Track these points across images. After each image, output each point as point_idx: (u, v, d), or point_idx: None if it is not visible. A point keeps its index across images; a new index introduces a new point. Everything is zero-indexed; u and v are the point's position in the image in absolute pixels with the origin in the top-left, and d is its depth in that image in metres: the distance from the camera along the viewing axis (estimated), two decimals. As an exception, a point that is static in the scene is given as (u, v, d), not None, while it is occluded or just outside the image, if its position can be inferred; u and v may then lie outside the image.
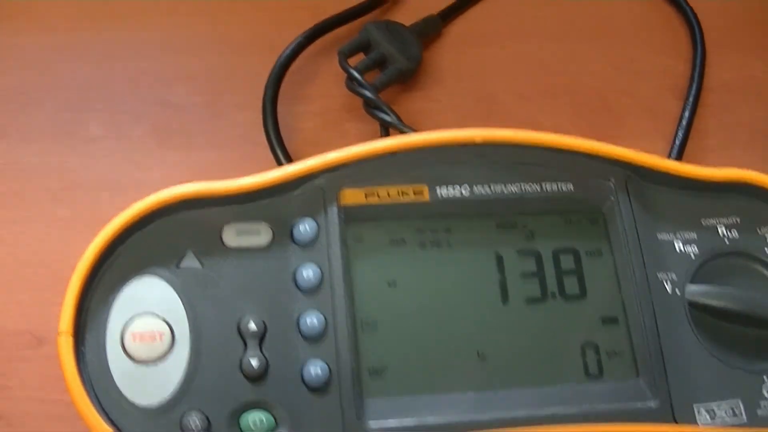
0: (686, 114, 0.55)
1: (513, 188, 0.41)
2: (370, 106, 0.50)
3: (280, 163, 0.50)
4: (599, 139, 0.44)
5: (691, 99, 0.56)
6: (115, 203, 0.41)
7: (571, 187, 0.41)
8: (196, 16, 0.57)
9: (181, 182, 0.46)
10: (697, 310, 0.40)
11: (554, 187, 0.41)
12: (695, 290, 0.40)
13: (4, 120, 0.53)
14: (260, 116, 0.52)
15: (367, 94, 0.50)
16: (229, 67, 0.55)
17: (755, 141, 0.55)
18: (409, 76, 0.54)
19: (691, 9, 0.59)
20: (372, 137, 0.47)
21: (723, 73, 0.58)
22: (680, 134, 0.54)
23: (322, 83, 0.54)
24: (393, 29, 0.54)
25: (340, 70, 0.52)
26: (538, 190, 0.41)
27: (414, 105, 0.54)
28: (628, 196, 0.41)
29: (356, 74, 0.50)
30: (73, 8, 0.57)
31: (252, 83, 0.53)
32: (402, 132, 0.48)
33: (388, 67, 0.53)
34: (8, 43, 0.55)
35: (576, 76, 0.56)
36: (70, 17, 0.56)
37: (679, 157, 0.54)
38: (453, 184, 0.40)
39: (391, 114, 0.49)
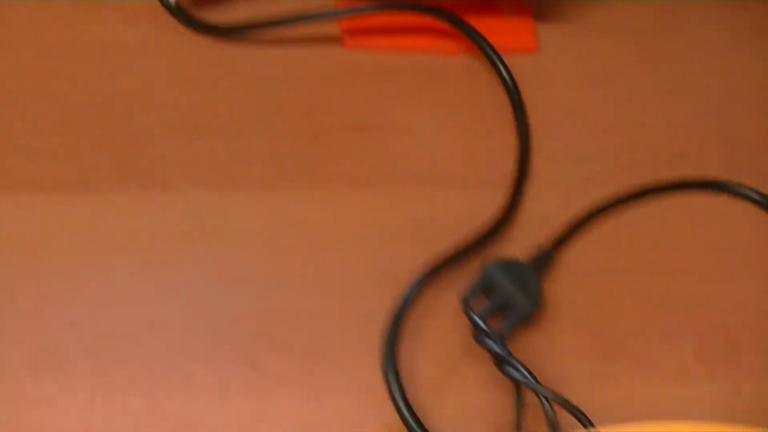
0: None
1: None
2: (501, 362, 0.48)
3: (401, 414, 0.48)
4: (727, 381, 0.46)
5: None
6: None
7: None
8: (299, 247, 0.56)
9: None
10: None
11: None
12: None
13: (105, 366, 0.51)
14: (378, 359, 0.49)
15: (497, 350, 0.48)
16: (339, 305, 0.54)
17: None
18: (531, 320, 0.51)
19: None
20: (492, 379, 0.48)
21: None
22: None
23: (438, 323, 0.53)
24: (513, 269, 0.52)
25: (454, 304, 0.52)
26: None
27: (532, 342, 0.52)
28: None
29: (484, 326, 0.48)
30: (170, 241, 0.55)
31: (366, 323, 0.52)
32: (536, 391, 0.48)
33: (511, 311, 0.50)
34: (111, 281, 0.54)
35: (701, 311, 0.54)
36: (167, 251, 0.55)
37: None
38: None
39: (525, 371, 0.47)
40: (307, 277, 0.54)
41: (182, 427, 0.49)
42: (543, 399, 0.48)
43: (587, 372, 0.52)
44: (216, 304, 0.52)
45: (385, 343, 0.49)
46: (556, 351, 0.53)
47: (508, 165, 0.59)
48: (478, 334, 0.49)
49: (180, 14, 0.60)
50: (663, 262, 0.56)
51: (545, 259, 0.54)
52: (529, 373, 0.48)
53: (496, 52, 0.61)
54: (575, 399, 0.51)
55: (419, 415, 0.49)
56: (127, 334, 0.51)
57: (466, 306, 0.50)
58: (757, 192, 0.59)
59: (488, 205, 0.57)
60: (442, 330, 0.53)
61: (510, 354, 0.48)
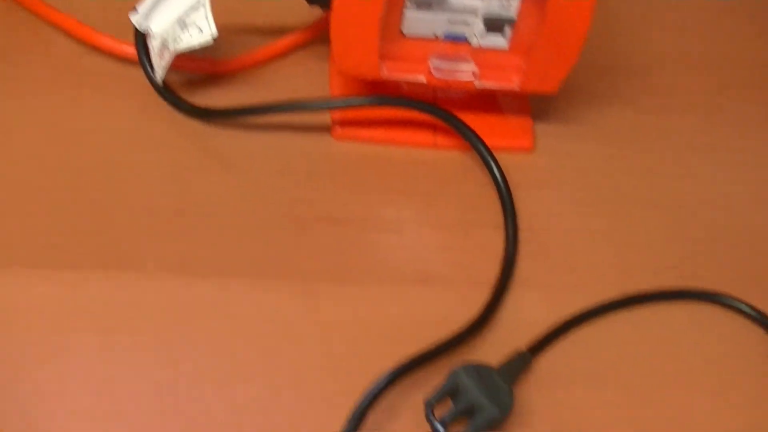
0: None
1: None
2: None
3: None
4: None
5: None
6: None
7: None
8: (272, 340, 0.55)
9: None
10: None
11: None
12: None
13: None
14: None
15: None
16: (304, 398, 0.53)
17: None
18: (497, 427, 0.50)
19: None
20: None
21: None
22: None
23: (402, 424, 0.51)
24: (482, 373, 0.51)
25: (420, 405, 0.51)
26: None
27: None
28: None
29: (442, 430, 0.47)
30: (144, 324, 0.54)
31: (328, 419, 0.51)
32: None
33: (476, 416, 0.49)
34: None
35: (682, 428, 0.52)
36: (134, 333, 0.54)
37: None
38: None
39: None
40: (274, 371, 0.53)
41: None
42: None
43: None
44: (182, 394, 0.51)
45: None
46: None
47: (493, 266, 0.58)
48: (434, 434, 0.48)
49: (167, 95, 0.60)
50: (643, 375, 0.55)
51: (520, 364, 0.53)
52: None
53: (489, 151, 0.60)
54: None
55: None
56: (81, 414, 0.50)
57: (429, 410, 0.49)
58: (749, 305, 0.57)
59: (470, 306, 0.56)
60: (410, 428, 0.51)
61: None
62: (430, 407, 0.49)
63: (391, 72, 0.58)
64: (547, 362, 0.55)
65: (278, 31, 0.66)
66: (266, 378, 0.53)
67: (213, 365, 0.53)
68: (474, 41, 0.58)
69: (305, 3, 0.60)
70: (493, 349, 0.54)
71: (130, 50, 0.61)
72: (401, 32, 0.58)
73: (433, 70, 0.59)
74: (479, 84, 0.59)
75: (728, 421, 0.53)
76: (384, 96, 0.60)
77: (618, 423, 0.53)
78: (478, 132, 0.60)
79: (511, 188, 0.60)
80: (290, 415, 0.52)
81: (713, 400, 0.54)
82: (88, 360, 0.52)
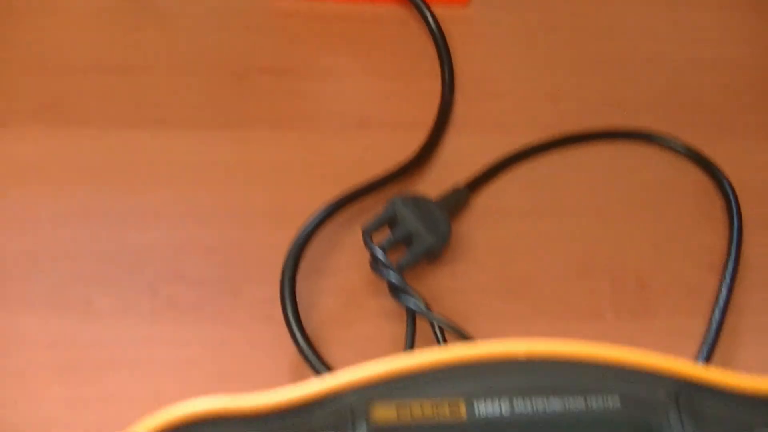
0: (723, 291, 0.53)
1: (556, 403, 0.37)
2: (396, 290, 0.47)
3: (297, 344, 0.47)
4: (635, 321, 0.45)
5: (727, 277, 0.54)
6: (124, 383, 0.41)
7: (617, 402, 0.38)
8: (212, 184, 0.55)
9: (191, 361, 0.43)
10: None
11: (600, 402, 0.38)
12: None
13: (6, 287, 0.50)
14: (278, 291, 0.49)
15: (392, 279, 0.47)
16: (248, 238, 0.52)
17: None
18: (436, 255, 0.51)
19: (729, 182, 0.56)
20: (395, 315, 0.48)
21: (763, 249, 0.55)
22: (717, 313, 0.52)
23: (343, 257, 0.52)
24: (420, 204, 0.51)
25: (359, 239, 0.51)
26: (583, 406, 0.38)
27: (440, 282, 0.52)
28: (679, 411, 0.38)
29: (380, 255, 0.48)
30: (86, 174, 0.54)
31: (272, 255, 0.51)
32: (428, 318, 0.47)
33: (414, 244, 0.50)
34: (18, 207, 0.53)
35: (615, 256, 0.53)
36: (82, 183, 0.54)
37: (716, 335, 0.52)
38: (492, 397, 0.37)
39: (418, 300, 0.47)
40: (213, 212, 0.54)
41: (77, 347, 0.49)
42: (435, 326, 0.47)
43: (492, 310, 0.51)
44: (123, 234, 0.52)
45: (284, 273, 0.49)
46: (462, 289, 0.52)
47: (432, 111, 0.58)
48: (375, 263, 0.48)
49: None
50: (578, 207, 0.56)
51: (458, 198, 0.53)
52: (423, 302, 0.47)
53: (425, 2, 0.60)
54: (478, 336, 0.50)
55: (318, 346, 0.49)
56: (29, 257, 0.50)
57: (366, 236, 0.49)
58: (682, 143, 0.58)
59: (409, 148, 0.57)
60: (346, 264, 0.52)
61: (405, 283, 0.47)
62: (368, 234, 0.49)
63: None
64: (485, 199, 0.55)
65: None
66: (202, 219, 0.54)
67: (149, 208, 0.54)
68: None
69: None
70: (432, 186, 0.55)
71: None
72: None
73: None
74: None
75: (665, 250, 0.54)
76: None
77: (553, 253, 0.54)
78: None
79: (447, 38, 0.60)
80: (235, 254, 0.53)
81: (646, 227, 0.55)
82: (35, 206, 0.52)
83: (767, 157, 0.59)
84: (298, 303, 0.49)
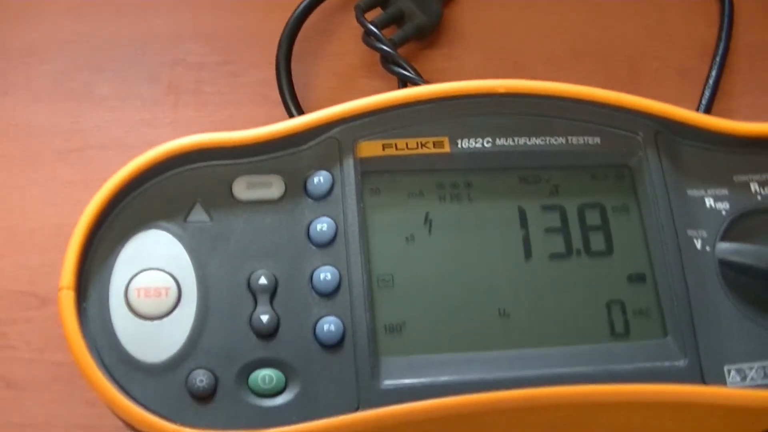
0: (713, 73, 0.54)
1: (537, 141, 0.39)
2: (388, 62, 0.48)
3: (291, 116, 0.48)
4: None
5: (718, 59, 0.54)
6: (125, 163, 0.39)
7: (597, 140, 0.39)
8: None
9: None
10: (728, 268, 0.38)
11: (580, 140, 0.39)
12: (726, 248, 0.38)
13: (12, 78, 0.51)
14: (275, 73, 0.50)
15: (385, 48, 0.48)
16: (245, 24, 0.53)
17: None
18: (428, 33, 0.52)
19: (721, -33, 0.57)
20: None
21: (752, 35, 0.56)
22: (707, 94, 0.53)
23: (338, 40, 0.53)
24: (412, -14, 0.51)
25: (357, 25, 0.50)
26: (563, 143, 0.39)
27: (433, 64, 0.53)
28: (657, 150, 0.39)
29: (373, 29, 0.49)
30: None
31: (268, 41, 0.52)
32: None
33: (406, 23, 0.51)
34: (19, 1, 0.54)
35: (605, 39, 0.54)
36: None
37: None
38: (474, 136, 0.38)
39: (410, 69, 0.48)
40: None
41: (81, 131, 0.51)
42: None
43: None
44: (122, 24, 0.54)
45: (279, 55, 0.50)
46: (455, 69, 0.53)
47: None
48: (367, 36, 0.49)
49: None
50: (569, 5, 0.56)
51: (450, -17, 0.54)
52: (414, 70, 0.48)
53: None
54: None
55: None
56: (32, 49, 0.53)
57: (359, 11, 0.50)
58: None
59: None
60: (340, 47, 0.53)
61: (397, 53, 0.48)
62: (360, 9, 0.50)
63: None
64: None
65: None
66: (205, 8, 0.55)
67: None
68: None
69: None
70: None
71: None
72: None
73: None
74: None
75: (657, 35, 0.55)
76: None
77: (546, 38, 0.55)
78: None
79: None
80: (233, 39, 0.54)
81: (638, 17, 0.57)
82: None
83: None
84: (294, 84, 0.50)
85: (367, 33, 0.49)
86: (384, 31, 0.50)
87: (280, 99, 0.50)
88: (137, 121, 0.50)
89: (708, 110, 0.52)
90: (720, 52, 0.55)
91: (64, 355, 0.42)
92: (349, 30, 0.53)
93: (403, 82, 0.48)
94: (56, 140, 0.50)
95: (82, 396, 0.44)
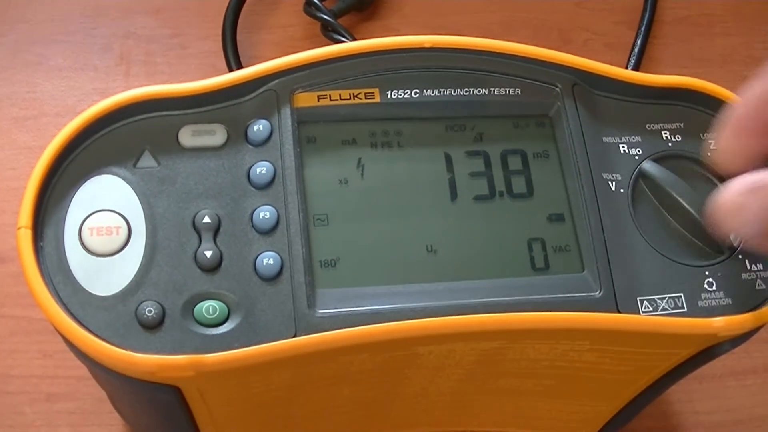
0: (638, 42, 0.56)
1: (461, 92, 0.42)
2: (328, 30, 0.51)
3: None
4: None
5: (643, 27, 0.57)
6: None
7: (518, 92, 0.42)
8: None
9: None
10: (647, 189, 0.41)
11: (502, 92, 0.42)
12: (652, 168, 0.41)
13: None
14: (221, 46, 0.53)
15: (325, 17, 0.51)
16: None
17: (707, 73, 0.56)
18: (367, 4, 0.55)
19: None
20: None
21: (679, 9, 0.59)
22: (632, 61, 0.55)
23: (281, 13, 0.56)
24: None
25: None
26: (486, 94, 0.42)
27: (373, 34, 0.56)
28: (575, 101, 0.42)
29: (313, -2, 0.51)
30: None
31: (214, 14, 0.54)
32: None
33: (346, -5, 0.53)
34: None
35: (537, 11, 0.57)
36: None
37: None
38: (403, 87, 0.41)
39: (349, 36, 0.50)
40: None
41: (36, 100, 0.54)
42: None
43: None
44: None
45: (225, 27, 0.52)
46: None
47: None
48: (308, 6, 0.52)
49: None
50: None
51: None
52: (352, 37, 0.51)
53: None
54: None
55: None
56: None
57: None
58: None
59: None
60: (284, 20, 0.56)
61: (337, 22, 0.51)
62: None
63: None
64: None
65: None
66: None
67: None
68: None
69: None
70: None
71: None
72: None
73: None
74: None
75: (586, 7, 0.58)
76: None
77: (480, 10, 0.59)
78: None
79: None
80: (181, 13, 0.58)
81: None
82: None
83: None
84: (240, 55, 0.53)
85: (308, 3, 0.52)
86: (325, 3, 0.52)
87: (227, 69, 0.52)
88: (90, 90, 0.53)
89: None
90: (645, 22, 0.58)
91: (22, 310, 0.45)
92: (292, 3, 0.56)
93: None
94: (13, 108, 0.52)
95: (39, 348, 0.47)
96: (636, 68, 0.57)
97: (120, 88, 0.50)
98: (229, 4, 0.53)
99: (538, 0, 0.59)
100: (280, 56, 0.53)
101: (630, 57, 0.58)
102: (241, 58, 0.53)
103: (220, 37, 0.54)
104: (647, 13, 0.59)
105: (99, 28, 0.55)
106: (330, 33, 0.51)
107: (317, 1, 0.52)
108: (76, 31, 0.55)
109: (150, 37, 0.55)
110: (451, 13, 0.58)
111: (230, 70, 0.52)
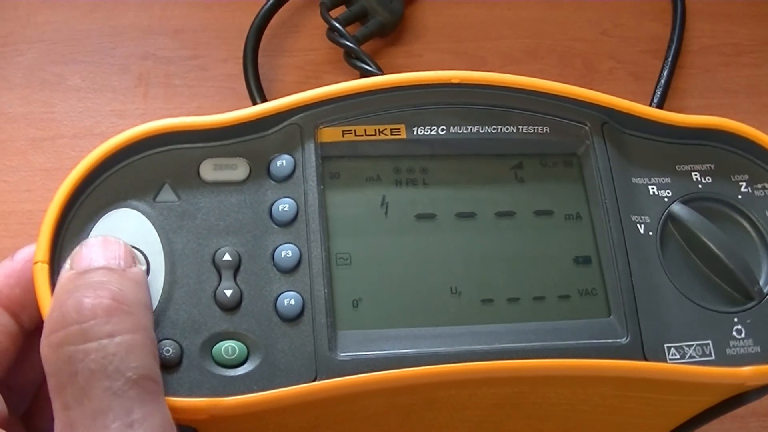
0: (665, 73, 0.56)
1: (489, 129, 0.41)
2: (351, 57, 0.50)
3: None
4: None
5: (669, 59, 0.56)
6: None
7: (547, 130, 0.41)
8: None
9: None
10: (675, 232, 0.40)
11: (530, 129, 0.41)
12: (681, 210, 0.40)
13: (-13, 68, 0.52)
14: (242, 68, 0.52)
15: (348, 44, 0.50)
16: (214, 20, 0.55)
17: (734, 104, 0.56)
18: (390, 30, 0.54)
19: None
20: None
21: (705, 38, 0.58)
22: (659, 93, 0.55)
23: (304, 37, 0.55)
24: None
25: (323, 22, 0.52)
26: (514, 132, 0.41)
27: (396, 60, 0.55)
28: (604, 140, 0.41)
29: (337, 25, 0.51)
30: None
31: (236, 36, 0.54)
32: None
33: (369, 20, 0.53)
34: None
35: (563, 39, 0.56)
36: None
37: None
38: (430, 124, 0.40)
39: (372, 64, 0.50)
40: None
41: (53, 120, 0.53)
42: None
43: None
44: (94, 18, 0.55)
45: (246, 49, 0.52)
46: (415, 66, 0.55)
47: None
48: (331, 32, 0.51)
49: None
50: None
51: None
52: (376, 65, 0.50)
53: None
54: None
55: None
56: (7, 40, 0.55)
57: (323, 8, 0.52)
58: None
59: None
60: (306, 44, 0.55)
61: (360, 49, 0.50)
62: (324, 7, 0.52)
63: None
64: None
65: None
66: (174, 4, 0.57)
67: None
68: None
69: None
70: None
71: None
72: None
73: None
74: None
75: (613, 35, 0.57)
76: None
77: (504, 36, 0.57)
78: None
79: None
80: (201, 34, 0.57)
81: (594, 17, 0.58)
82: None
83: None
84: (260, 78, 0.52)
85: (332, 29, 0.51)
86: (348, 29, 0.52)
87: (246, 92, 0.51)
88: (108, 112, 0.52)
89: (660, 107, 0.54)
90: (672, 53, 0.57)
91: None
92: (315, 27, 0.55)
93: (365, 77, 0.50)
94: (30, 129, 0.51)
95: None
96: (662, 100, 0.56)
97: (138, 110, 0.50)
98: (251, 26, 0.53)
99: (562, 27, 0.58)
100: (301, 80, 0.53)
101: (656, 89, 0.57)
102: (261, 82, 0.52)
103: (240, 60, 0.53)
104: (674, 44, 0.58)
105: (118, 49, 0.55)
106: (353, 60, 0.51)
107: (340, 27, 0.51)
108: (94, 51, 0.54)
109: (169, 59, 0.54)
110: (475, 39, 0.57)
111: (250, 92, 0.51)
